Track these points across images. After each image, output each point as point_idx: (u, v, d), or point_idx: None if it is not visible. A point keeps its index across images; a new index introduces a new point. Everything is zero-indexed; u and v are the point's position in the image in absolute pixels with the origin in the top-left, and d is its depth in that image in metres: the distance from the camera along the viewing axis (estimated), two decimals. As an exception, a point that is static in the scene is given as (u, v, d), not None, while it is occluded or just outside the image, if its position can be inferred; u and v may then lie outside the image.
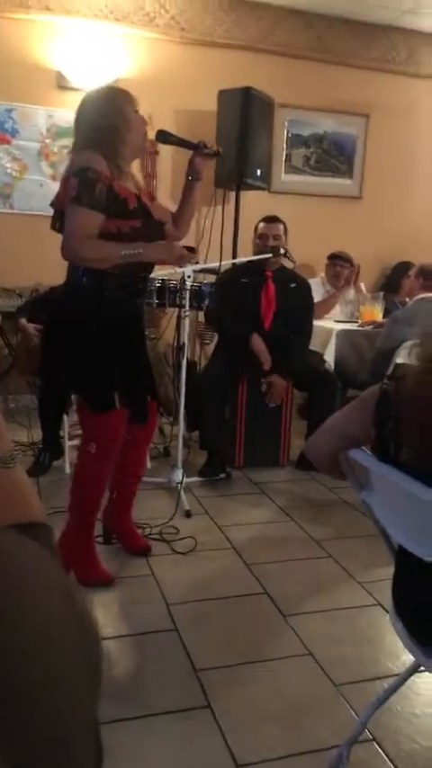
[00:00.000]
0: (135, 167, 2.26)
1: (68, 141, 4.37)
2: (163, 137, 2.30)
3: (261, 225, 3.55)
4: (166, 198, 4.69)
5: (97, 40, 4.31)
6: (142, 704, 1.66)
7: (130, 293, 2.17)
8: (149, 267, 2.23)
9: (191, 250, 3.34)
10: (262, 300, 3.48)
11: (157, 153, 4.57)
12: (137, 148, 2.11)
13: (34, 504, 0.58)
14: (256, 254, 3.50)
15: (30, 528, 0.51)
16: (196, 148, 2.27)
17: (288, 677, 1.80)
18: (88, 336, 2.11)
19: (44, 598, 0.40)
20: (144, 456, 2.54)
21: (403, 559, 1.29)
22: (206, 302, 3.53)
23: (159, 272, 3.34)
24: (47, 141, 4.35)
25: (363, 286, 4.53)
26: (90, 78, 4.29)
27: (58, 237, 2.05)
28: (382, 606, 2.16)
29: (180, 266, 2.08)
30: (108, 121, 2.01)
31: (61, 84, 4.31)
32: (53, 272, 2.85)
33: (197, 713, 1.64)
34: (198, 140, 2.30)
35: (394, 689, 1.49)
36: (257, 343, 3.41)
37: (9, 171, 4.31)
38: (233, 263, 3.63)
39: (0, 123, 4.27)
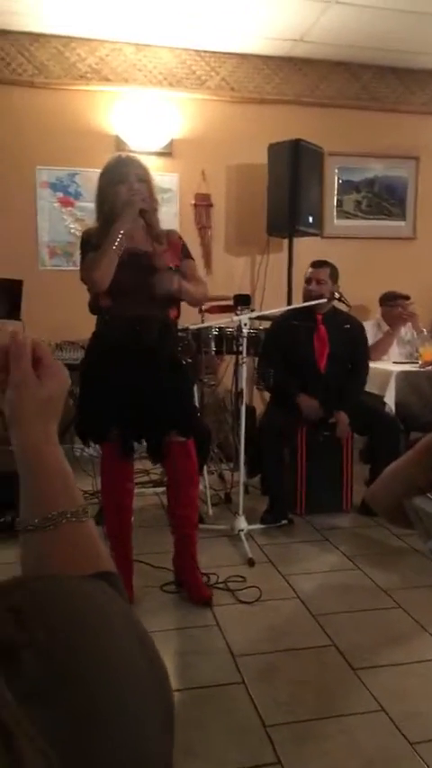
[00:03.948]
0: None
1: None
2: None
3: (308, 269, 3.59)
4: (219, 247, 4.84)
5: (152, 104, 4.55)
6: (209, 761, 1.63)
7: (119, 329, 2.34)
8: (146, 306, 2.32)
9: (245, 298, 3.41)
10: (315, 343, 3.50)
11: (211, 206, 4.73)
12: (118, 214, 2.32)
13: (103, 554, 0.62)
14: (303, 297, 3.54)
15: (103, 577, 0.53)
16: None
17: (361, 734, 1.74)
18: (81, 374, 2.42)
19: (123, 643, 0.42)
20: (187, 497, 2.47)
21: None
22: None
23: (217, 321, 3.43)
24: (107, 201, 4.58)
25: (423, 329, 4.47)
26: (146, 140, 4.53)
27: None
28: (457, 660, 2.07)
29: (133, 211, 2.28)
30: (97, 197, 2.42)
31: (120, 148, 4.53)
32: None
33: (267, 771, 1.60)
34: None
35: None
36: (305, 401, 3.40)
37: (72, 231, 4.54)
38: (288, 309, 3.67)
39: (65, 188, 4.53)
